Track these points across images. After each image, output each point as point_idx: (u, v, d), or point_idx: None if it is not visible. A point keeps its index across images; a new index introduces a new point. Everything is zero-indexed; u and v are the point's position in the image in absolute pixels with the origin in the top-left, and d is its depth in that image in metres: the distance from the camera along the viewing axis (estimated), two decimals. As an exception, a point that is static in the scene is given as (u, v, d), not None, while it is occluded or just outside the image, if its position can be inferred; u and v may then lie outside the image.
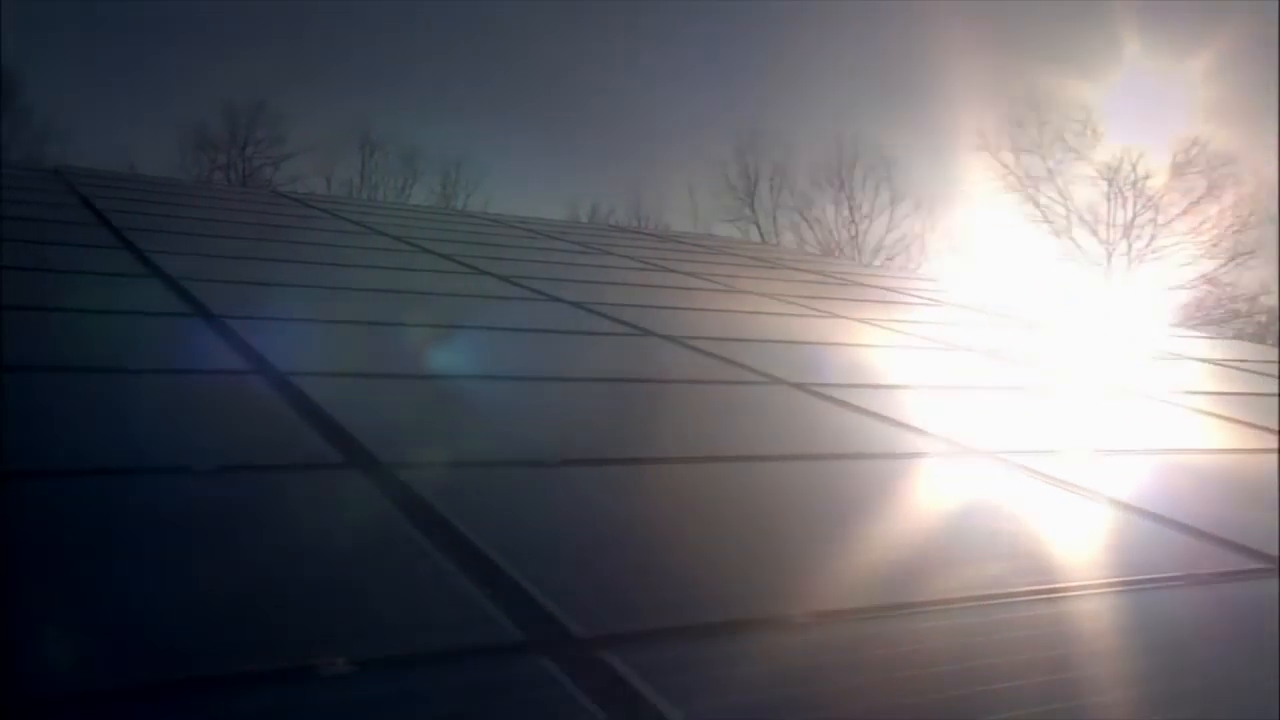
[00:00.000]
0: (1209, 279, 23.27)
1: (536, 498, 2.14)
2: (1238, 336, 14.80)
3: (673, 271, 7.23)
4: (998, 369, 4.66)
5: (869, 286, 7.99)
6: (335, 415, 2.46)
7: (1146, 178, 23.97)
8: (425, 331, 3.91)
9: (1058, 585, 1.90)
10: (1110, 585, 1.95)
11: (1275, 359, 6.45)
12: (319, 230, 7.19)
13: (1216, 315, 22.45)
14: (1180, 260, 23.71)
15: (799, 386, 3.59)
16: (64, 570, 1.52)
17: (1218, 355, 6.42)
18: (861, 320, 5.80)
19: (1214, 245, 23.24)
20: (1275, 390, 4.98)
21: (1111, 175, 24.07)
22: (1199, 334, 8.90)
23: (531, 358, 3.74)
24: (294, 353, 3.15)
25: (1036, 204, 24.77)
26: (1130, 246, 24.22)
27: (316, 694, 1.26)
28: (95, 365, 2.82)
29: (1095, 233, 24.53)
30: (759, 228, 25.90)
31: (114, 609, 1.42)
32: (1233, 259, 22.97)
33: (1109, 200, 24.25)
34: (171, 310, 3.64)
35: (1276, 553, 2.21)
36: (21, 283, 3.80)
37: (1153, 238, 24.06)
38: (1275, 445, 3.55)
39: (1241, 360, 6.21)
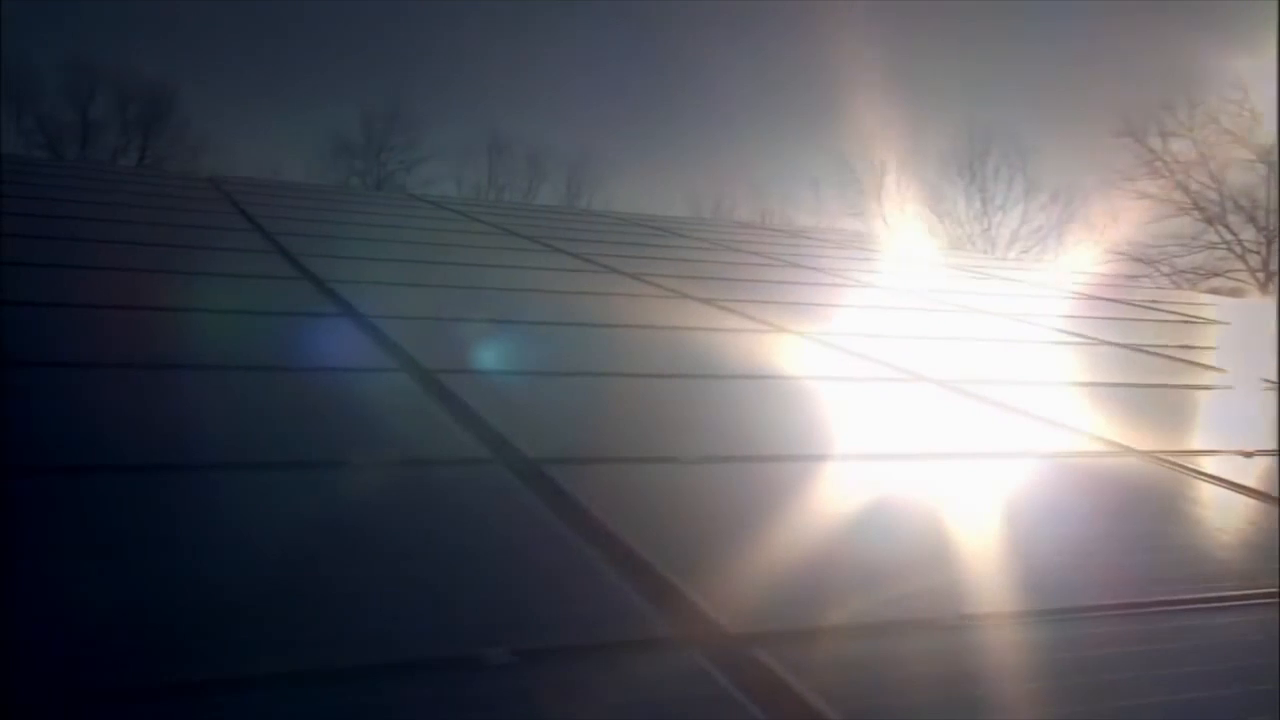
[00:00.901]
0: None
1: (681, 494, 2.15)
2: None
3: (801, 267, 7.16)
4: (1154, 366, 4.46)
5: (1005, 279, 7.74)
6: (482, 412, 2.53)
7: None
8: (563, 330, 3.98)
9: (1229, 594, 1.80)
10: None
11: None
12: (454, 232, 7.40)
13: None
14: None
15: (944, 383, 3.51)
16: (258, 554, 1.61)
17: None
18: (1001, 314, 5.63)
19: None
20: None
21: (1271, 159, 22.66)
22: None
23: (667, 356, 3.76)
24: (438, 350, 3.26)
25: (1187, 190, 23.53)
26: (1292, 235, 22.79)
27: (483, 682, 1.31)
28: (257, 364, 2.97)
29: (1253, 220, 23.15)
30: (885, 221, 25.40)
31: (289, 597, 1.50)
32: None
33: (1268, 185, 22.84)
34: (322, 311, 3.80)
35: None
36: (188, 286, 4.04)
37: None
38: None
39: None
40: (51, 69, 21.06)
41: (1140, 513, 2.31)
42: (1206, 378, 4.28)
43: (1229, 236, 23.33)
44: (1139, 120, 23.55)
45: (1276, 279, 22.29)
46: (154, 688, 1.23)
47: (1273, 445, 3.04)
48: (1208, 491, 2.47)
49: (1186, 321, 6.35)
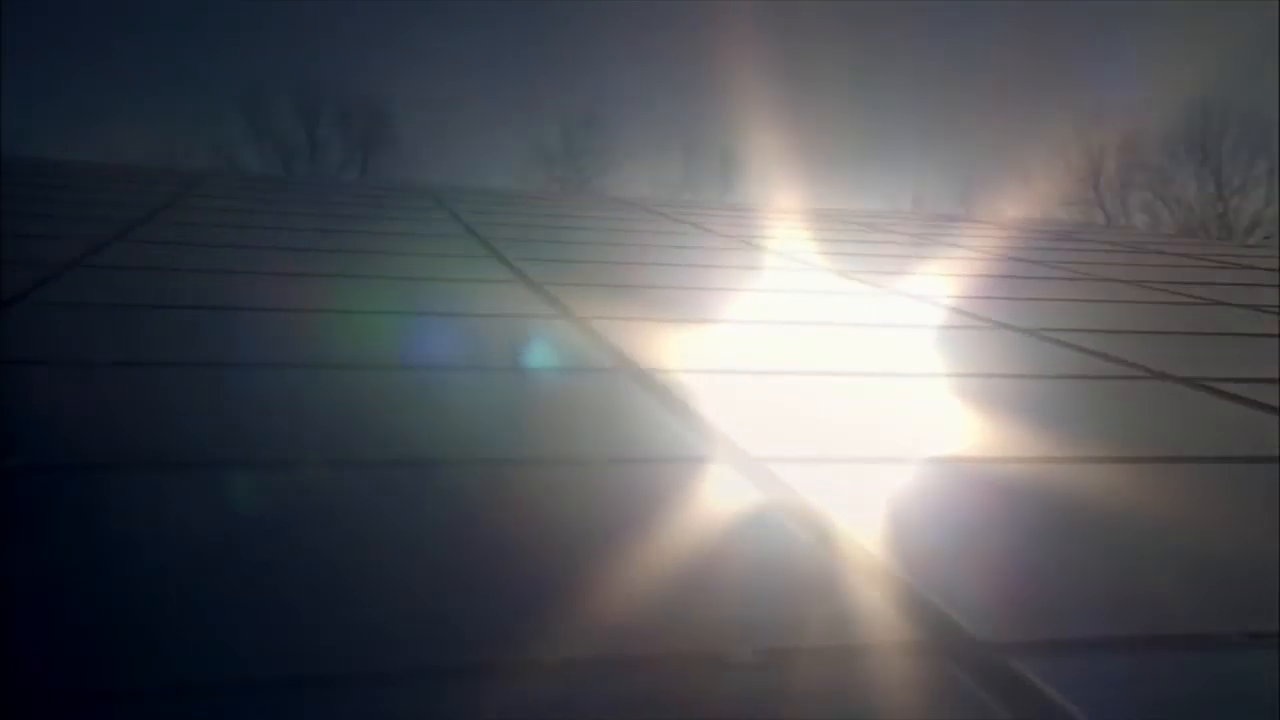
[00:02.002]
0: None
1: (913, 495, 2.08)
2: None
3: (1016, 260, 6.82)
4: None
5: (1251, 269, 7.11)
6: (702, 410, 2.53)
7: None
8: (774, 328, 3.94)
9: None
10: None
11: None
12: (656, 232, 7.48)
13: None
14: None
15: (1188, 381, 3.25)
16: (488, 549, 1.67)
17: None
18: (1253, 307, 5.17)
19: None
20: None
21: None
22: None
23: (884, 352, 3.66)
24: (653, 350, 3.29)
25: None
26: None
27: (730, 681, 1.29)
28: (483, 365, 3.08)
29: None
30: (1105, 210, 23.86)
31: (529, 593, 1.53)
32: None
33: None
34: (539, 313, 3.91)
35: None
36: (414, 291, 4.26)
37: None
38: None
39: None
40: (285, 93, 22.79)
41: None
42: None
43: None
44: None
45: None
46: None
47: None
48: None
49: None
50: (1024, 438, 2.63)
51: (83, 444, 2.07)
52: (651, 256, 6.05)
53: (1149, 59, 29.39)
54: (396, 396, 2.63)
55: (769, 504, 1.93)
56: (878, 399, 2.95)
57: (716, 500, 2.00)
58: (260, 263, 4.77)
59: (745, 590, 1.57)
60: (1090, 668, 1.38)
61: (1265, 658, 1.43)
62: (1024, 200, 23.53)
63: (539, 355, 3.19)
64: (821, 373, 3.25)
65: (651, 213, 8.96)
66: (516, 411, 2.60)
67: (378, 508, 1.84)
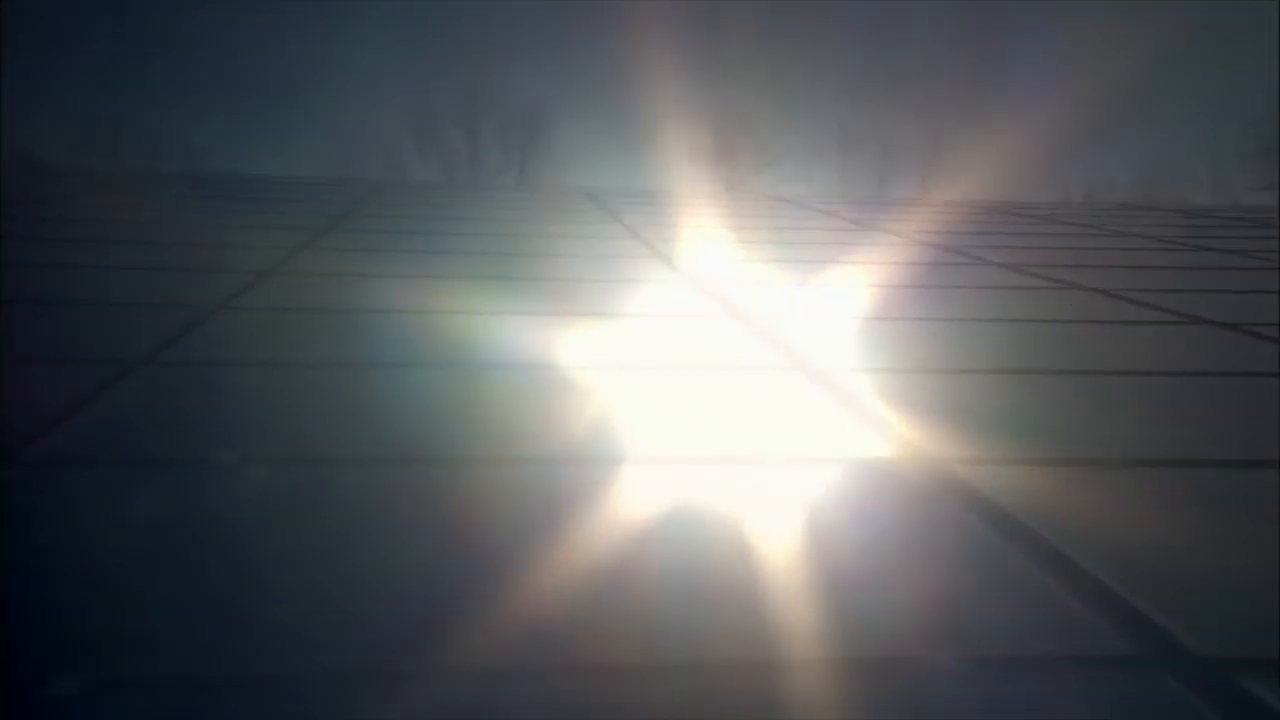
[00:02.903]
0: None
1: (1116, 499, 1.97)
2: None
3: (1213, 250, 6.39)
4: None
5: None
6: (883, 409, 2.47)
7: None
8: (955, 326, 3.82)
9: None
10: None
11: None
12: (817, 229, 7.38)
13: None
14: None
15: None
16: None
17: None
18: None
19: None
20: None
21: None
22: None
23: (1086, 352, 3.49)
24: (828, 349, 3.23)
25: None
26: None
27: (929, 686, 1.25)
28: (654, 364, 3.10)
29: None
30: (1307, 193, 22.00)
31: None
32: None
33: None
34: (704, 312, 3.91)
35: None
36: (579, 292, 4.33)
37: None
38: None
39: None
40: (450, 102, 23.66)
41: None
42: None
43: None
44: None
45: None
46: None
47: None
48: None
49: None
50: (1226, 437, 2.46)
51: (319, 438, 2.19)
52: (814, 255, 5.96)
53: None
54: (604, 394, 2.68)
55: (952, 503, 1.87)
56: (1059, 397, 2.81)
57: (892, 499, 1.95)
58: (445, 268, 4.94)
59: (932, 591, 1.52)
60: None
61: None
62: (1207, 186, 21.93)
63: (704, 352, 3.19)
64: (1005, 371, 3.12)
65: (809, 209, 8.84)
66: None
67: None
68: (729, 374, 2.97)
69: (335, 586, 1.46)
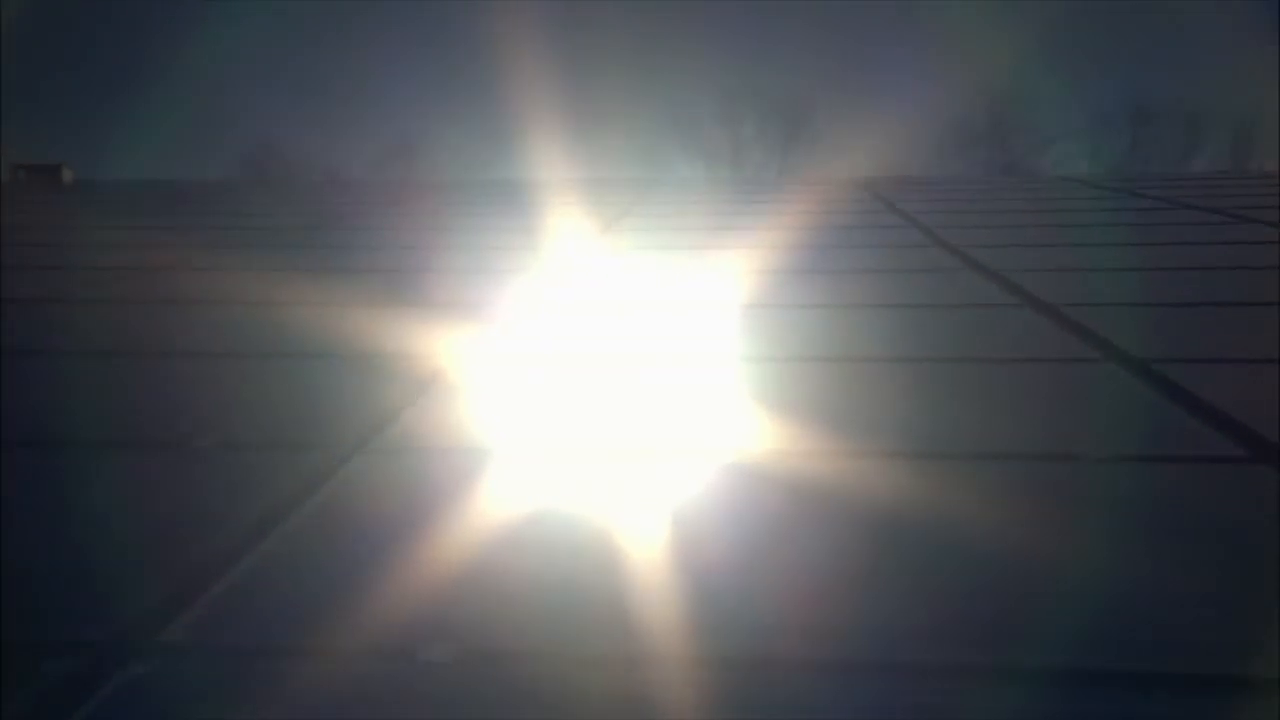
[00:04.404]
0: None
1: None
2: None
3: None
4: None
5: None
6: (1217, 403, 2.25)
7: None
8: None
9: None
10: None
11: None
12: (1119, 210, 6.85)
13: None
14: None
15: None
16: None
17: None
18: None
19: None
20: None
21: None
22: None
23: None
24: (1146, 339, 2.99)
25: None
26: None
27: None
28: (949, 357, 2.99)
29: None
30: None
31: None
32: None
33: None
34: (1000, 301, 3.72)
35: None
36: (858, 283, 4.24)
37: None
38: None
39: None
40: (709, 99, 23.93)
41: None
42: None
43: None
44: None
45: None
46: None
47: None
48: None
49: None
50: None
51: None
52: (1114, 237, 5.53)
53: None
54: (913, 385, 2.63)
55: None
56: None
57: (1240, 498, 1.76)
58: (746, 262, 5.00)
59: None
60: None
61: None
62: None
63: (1008, 344, 3.02)
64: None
65: (1104, 189, 8.21)
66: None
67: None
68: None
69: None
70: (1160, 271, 4.47)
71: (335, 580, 1.47)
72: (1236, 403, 2.28)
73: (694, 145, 24.79)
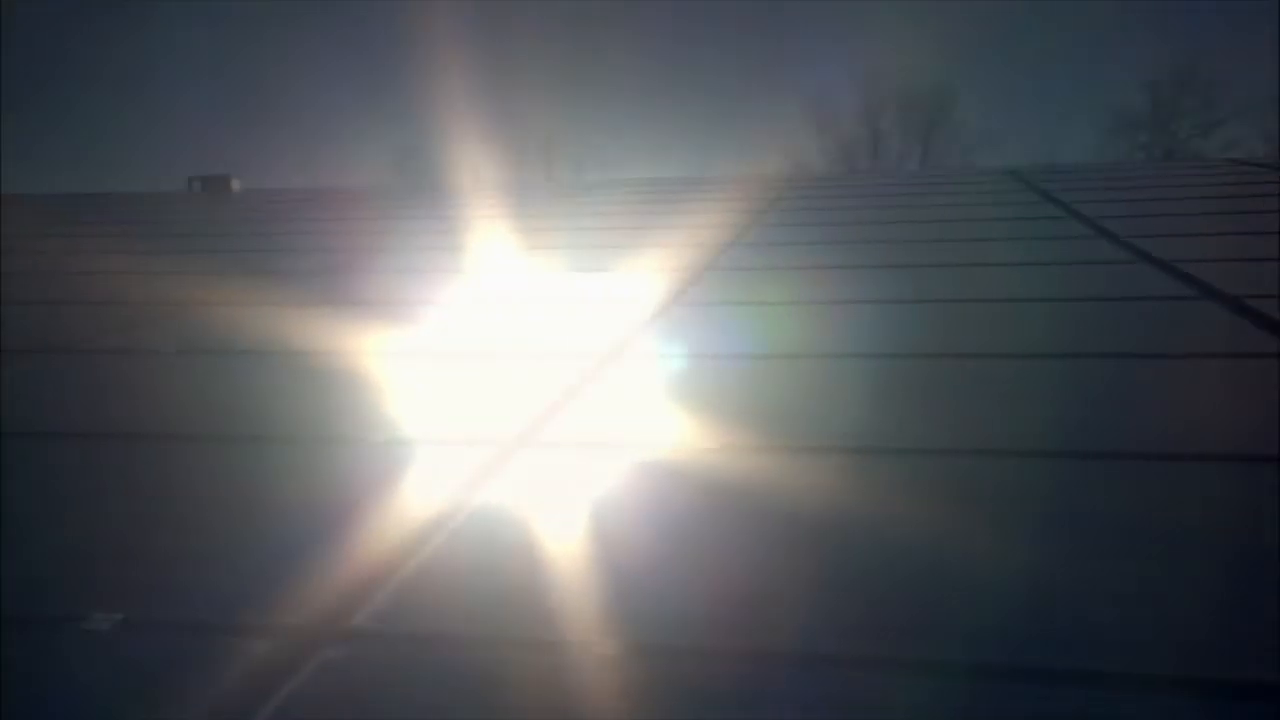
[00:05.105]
0: None
1: None
2: None
3: None
4: None
5: None
6: None
7: None
8: None
9: None
10: None
11: None
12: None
13: None
14: None
15: None
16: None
17: None
18: None
19: None
20: None
21: None
22: None
23: None
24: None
25: None
26: None
27: None
28: (1122, 352, 2.86)
29: None
30: None
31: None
32: None
33: None
34: (1177, 294, 3.53)
35: None
36: (1006, 278, 4.09)
37: None
38: None
39: None
40: (848, 91, 23.44)
41: None
42: None
43: None
44: None
45: None
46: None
47: None
48: None
49: None
50: None
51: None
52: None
53: None
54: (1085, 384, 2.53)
55: None
56: None
57: None
58: (912, 257, 4.91)
59: None
60: None
61: None
62: None
63: (1191, 339, 2.86)
64: None
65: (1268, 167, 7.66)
66: None
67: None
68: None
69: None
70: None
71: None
72: None
73: (832, 137, 24.35)
